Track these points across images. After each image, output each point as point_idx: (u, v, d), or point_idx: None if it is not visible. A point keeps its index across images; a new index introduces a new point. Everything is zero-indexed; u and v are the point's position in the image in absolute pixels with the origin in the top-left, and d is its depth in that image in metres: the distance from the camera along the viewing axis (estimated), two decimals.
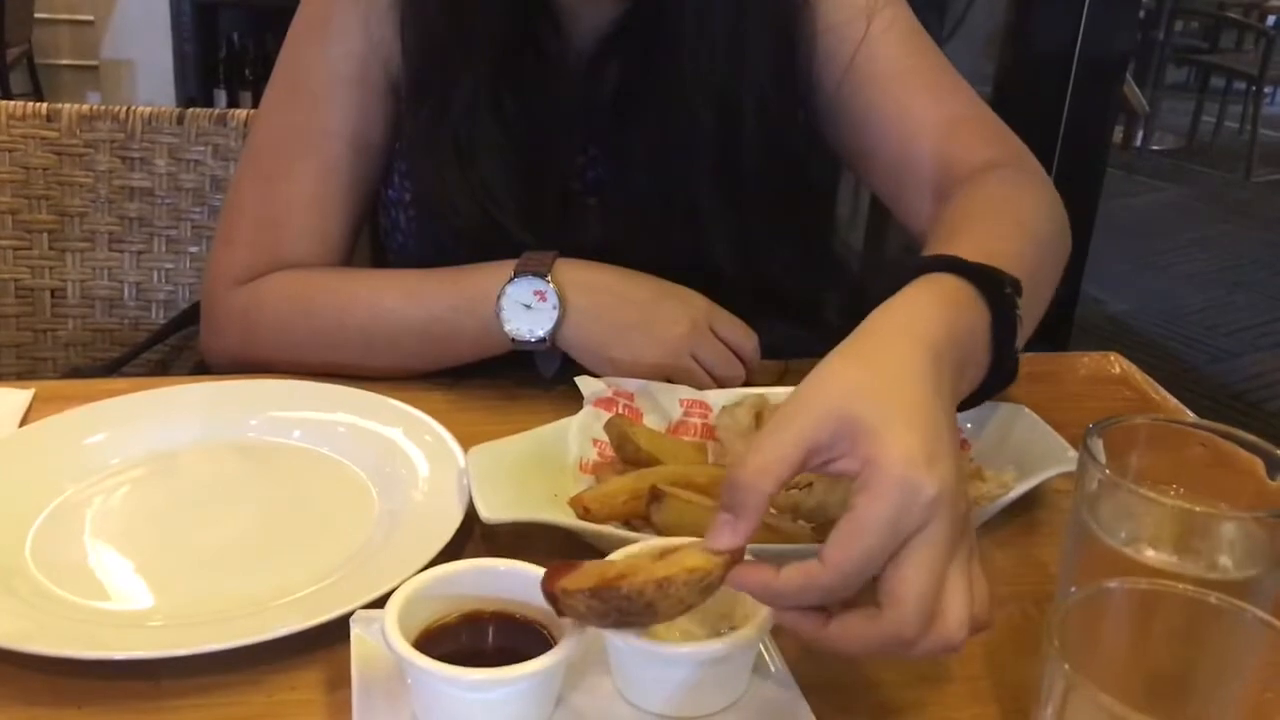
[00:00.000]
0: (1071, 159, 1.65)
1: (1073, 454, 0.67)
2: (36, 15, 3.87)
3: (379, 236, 0.96)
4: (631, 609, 0.48)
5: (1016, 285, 0.60)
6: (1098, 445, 0.50)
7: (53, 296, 1.08)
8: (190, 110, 1.07)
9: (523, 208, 0.83)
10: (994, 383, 0.60)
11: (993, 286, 0.59)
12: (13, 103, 1.05)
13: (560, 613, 0.49)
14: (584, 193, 0.88)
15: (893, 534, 0.46)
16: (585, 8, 0.85)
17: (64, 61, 4.20)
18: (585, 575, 0.49)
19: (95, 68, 4.17)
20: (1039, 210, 0.77)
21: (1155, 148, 5.73)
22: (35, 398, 0.78)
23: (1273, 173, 5.44)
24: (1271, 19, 6.14)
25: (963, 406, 0.58)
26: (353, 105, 0.87)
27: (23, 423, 0.75)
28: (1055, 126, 1.48)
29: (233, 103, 4.22)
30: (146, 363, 1.03)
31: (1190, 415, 0.82)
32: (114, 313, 1.09)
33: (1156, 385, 0.88)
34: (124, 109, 1.06)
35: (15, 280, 1.07)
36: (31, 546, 0.63)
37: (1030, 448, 0.70)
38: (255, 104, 3.41)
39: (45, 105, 1.05)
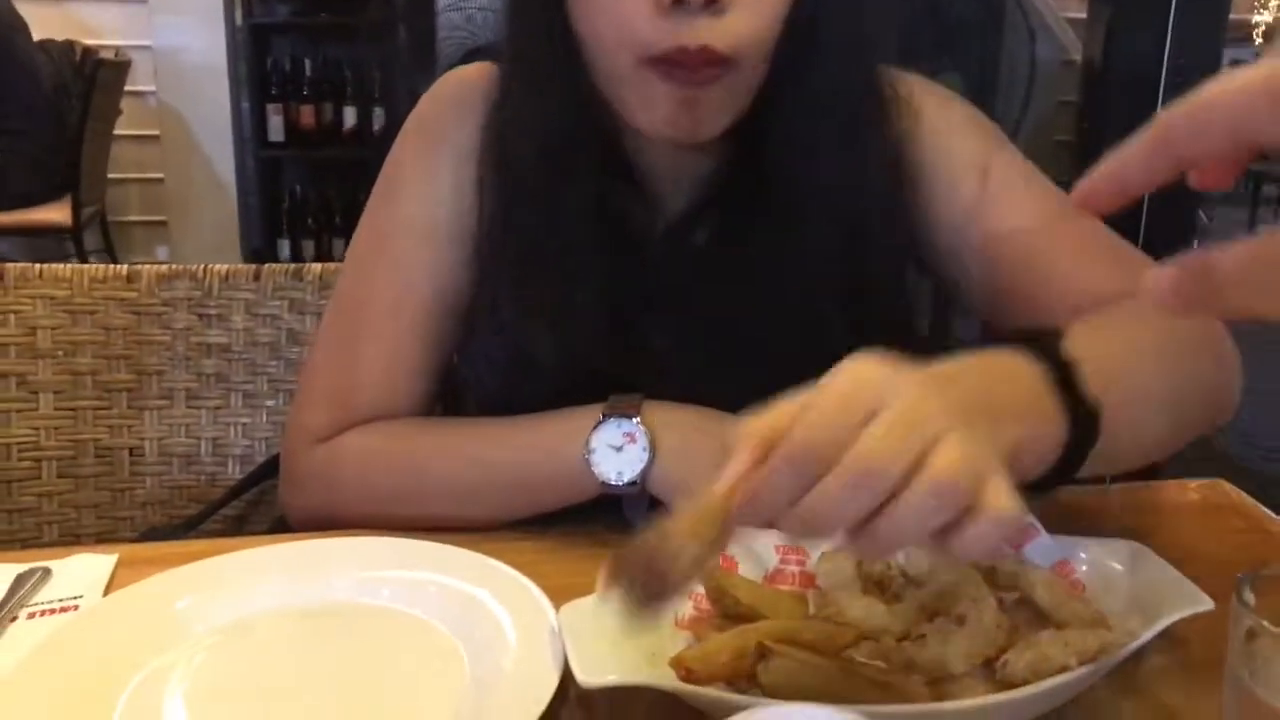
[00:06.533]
0: None
1: (1197, 593, 0.63)
2: (110, 175, 4.03)
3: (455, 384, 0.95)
4: None
5: (1058, 338, 0.61)
6: (1250, 597, 0.46)
7: (131, 455, 1.08)
8: (266, 266, 1.09)
9: (611, 364, 0.82)
10: (1076, 449, 0.59)
11: (1039, 345, 0.60)
12: (93, 266, 1.07)
13: None
14: (669, 349, 0.86)
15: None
16: (668, 179, 0.86)
17: (134, 218, 4.36)
18: None
19: (164, 223, 4.31)
20: (1169, 332, 0.73)
21: None
22: (118, 562, 0.77)
23: None
24: None
25: (1048, 483, 0.59)
26: (433, 265, 0.86)
27: (107, 589, 0.74)
28: (1134, 243, 1.48)
29: (295, 251, 4.34)
30: (223, 518, 1.02)
31: None
32: (191, 469, 1.09)
33: (1269, 513, 0.84)
34: (201, 267, 1.08)
35: (95, 440, 1.08)
36: None
37: (1148, 587, 0.66)
38: (318, 252, 3.50)
39: (125, 267, 1.07)
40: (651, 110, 0.77)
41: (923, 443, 0.47)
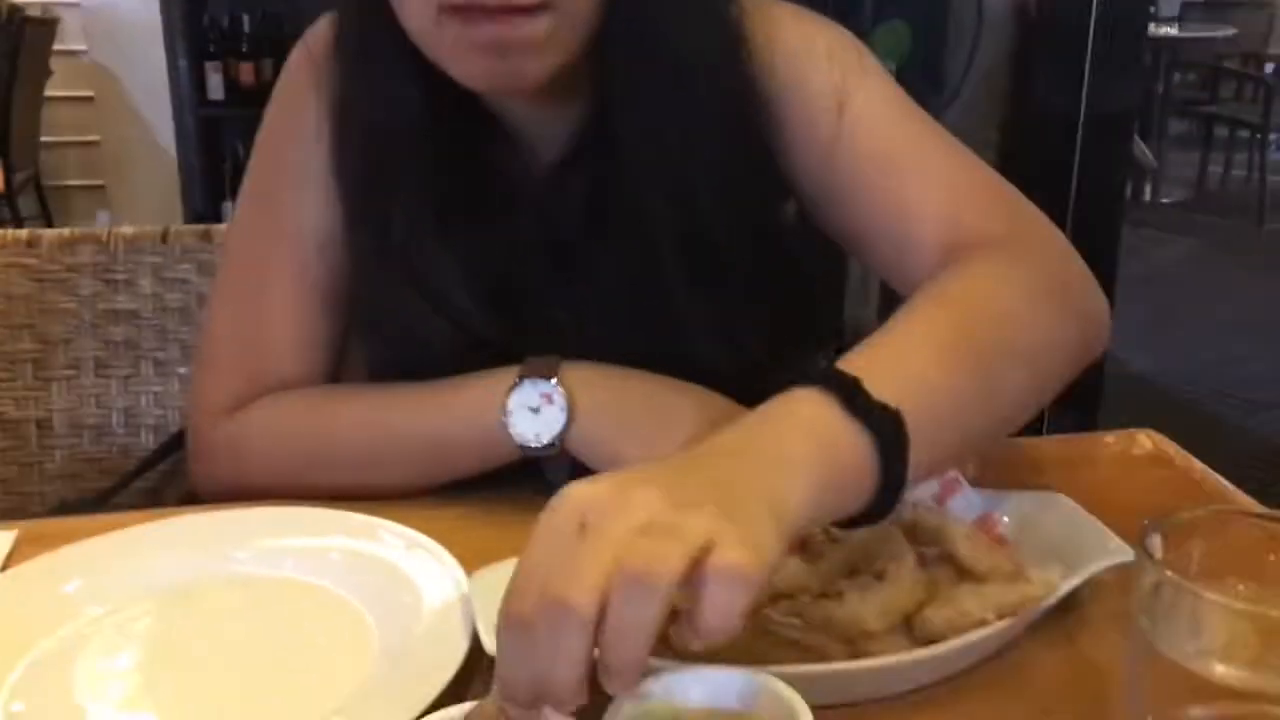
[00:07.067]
0: (1086, 218, 1.62)
1: (1118, 544, 0.62)
2: (43, 138, 3.92)
3: None
4: None
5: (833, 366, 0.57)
6: (1155, 543, 0.45)
7: (38, 428, 1.05)
8: (173, 228, 1.05)
9: (494, 327, 0.79)
10: (889, 460, 0.54)
11: (822, 374, 0.55)
12: None
13: None
14: (558, 306, 0.82)
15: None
16: (536, 128, 0.81)
17: (71, 182, 4.25)
18: None
19: (102, 187, 4.21)
20: (1002, 288, 0.69)
21: (1164, 200, 5.72)
22: (18, 540, 0.74)
23: None
24: (1270, 67, 6.16)
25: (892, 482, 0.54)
26: (318, 204, 0.82)
27: (4, 568, 0.70)
28: (1066, 187, 1.45)
29: None
30: (137, 491, 0.99)
31: (1243, 497, 0.77)
32: (102, 441, 1.06)
33: (1194, 460, 0.83)
34: (105, 231, 1.04)
35: None
36: (4, 709, 0.58)
37: (1071, 539, 0.65)
38: None
39: (26, 231, 1.03)
40: (465, 61, 0.71)
41: (605, 548, 0.43)
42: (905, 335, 0.63)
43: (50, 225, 4.08)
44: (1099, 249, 1.91)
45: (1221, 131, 6.00)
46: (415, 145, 0.78)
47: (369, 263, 0.81)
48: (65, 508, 0.98)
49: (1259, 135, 5.63)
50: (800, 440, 0.52)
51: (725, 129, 0.78)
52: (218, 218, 4.28)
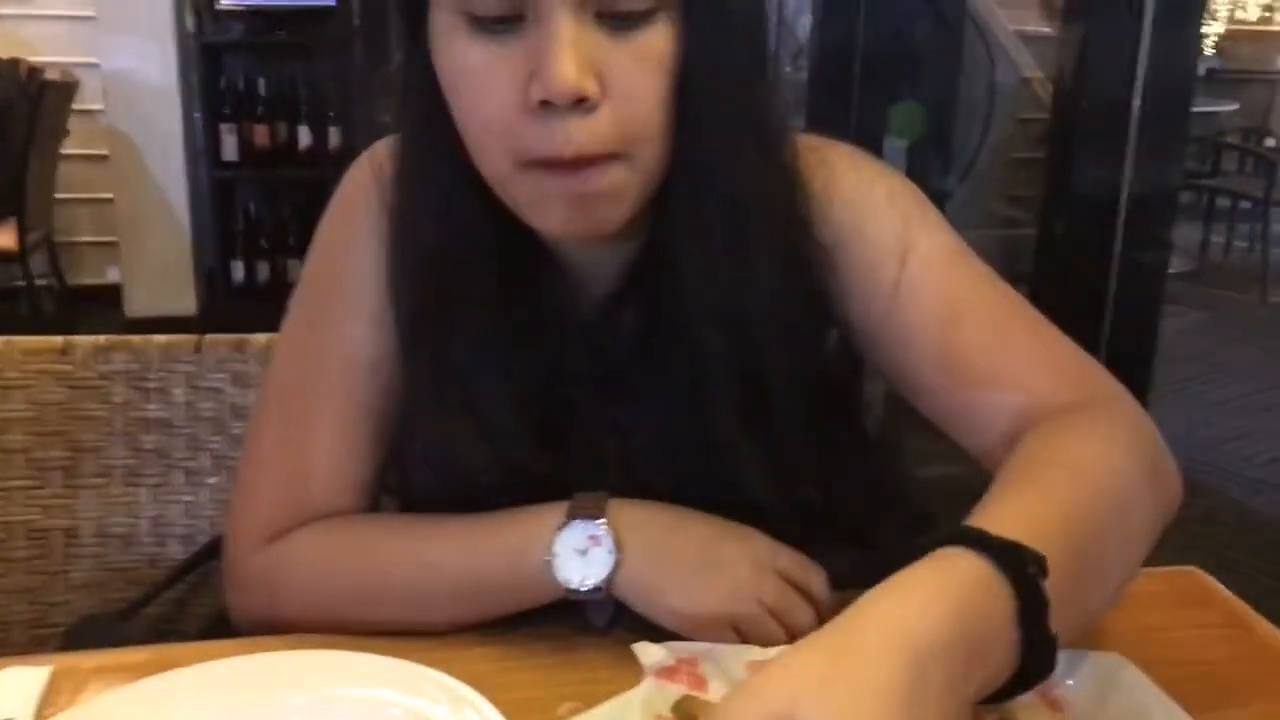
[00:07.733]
0: (1125, 301, 1.60)
1: (1182, 716, 0.61)
2: (56, 196, 3.94)
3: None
4: None
5: (1041, 563, 0.56)
6: None
7: (66, 537, 1.03)
8: (208, 337, 1.04)
9: (540, 459, 0.78)
10: (1031, 667, 0.55)
11: (1015, 565, 0.55)
12: (27, 338, 1.02)
13: None
14: (604, 437, 0.81)
15: None
16: (589, 260, 0.81)
17: (83, 239, 4.27)
18: None
19: (114, 244, 4.22)
20: (1111, 459, 0.69)
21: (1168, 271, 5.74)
22: (52, 674, 0.71)
23: None
24: (1271, 141, 6.22)
25: (1003, 695, 0.56)
26: (371, 327, 0.82)
27: (40, 705, 0.68)
28: (1106, 268, 1.43)
29: (249, 273, 4.27)
30: (164, 602, 0.97)
31: None
32: (130, 550, 1.04)
33: (1241, 604, 0.82)
34: (140, 339, 1.03)
35: (26, 522, 1.02)
36: None
37: (1134, 708, 0.64)
38: (272, 274, 3.46)
39: (61, 339, 1.02)
40: (545, 212, 0.73)
41: None
42: (1044, 526, 0.61)
43: (62, 283, 4.09)
44: (1140, 333, 1.86)
45: (1224, 204, 6.04)
46: (473, 272, 0.78)
47: (420, 386, 0.81)
48: (91, 620, 0.96)
49: (1262, 208, 5.67)
50: (978, 642, 0.53)
51: (779, 267, 0.78)
52: (228, 277, 4.30)
